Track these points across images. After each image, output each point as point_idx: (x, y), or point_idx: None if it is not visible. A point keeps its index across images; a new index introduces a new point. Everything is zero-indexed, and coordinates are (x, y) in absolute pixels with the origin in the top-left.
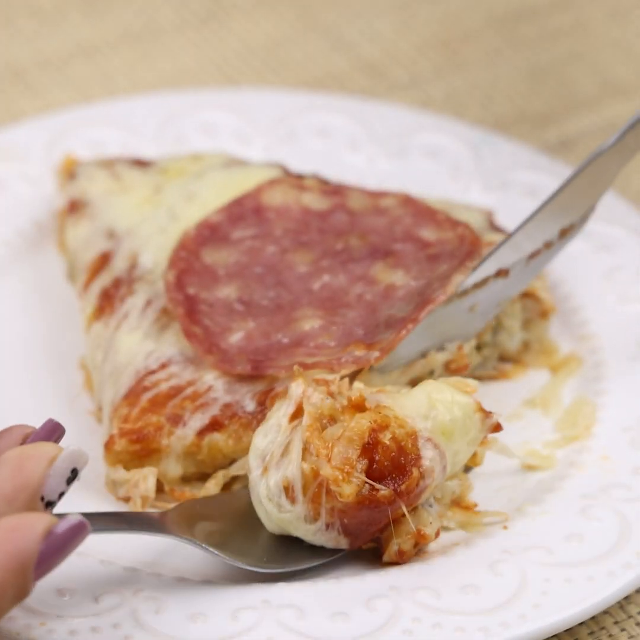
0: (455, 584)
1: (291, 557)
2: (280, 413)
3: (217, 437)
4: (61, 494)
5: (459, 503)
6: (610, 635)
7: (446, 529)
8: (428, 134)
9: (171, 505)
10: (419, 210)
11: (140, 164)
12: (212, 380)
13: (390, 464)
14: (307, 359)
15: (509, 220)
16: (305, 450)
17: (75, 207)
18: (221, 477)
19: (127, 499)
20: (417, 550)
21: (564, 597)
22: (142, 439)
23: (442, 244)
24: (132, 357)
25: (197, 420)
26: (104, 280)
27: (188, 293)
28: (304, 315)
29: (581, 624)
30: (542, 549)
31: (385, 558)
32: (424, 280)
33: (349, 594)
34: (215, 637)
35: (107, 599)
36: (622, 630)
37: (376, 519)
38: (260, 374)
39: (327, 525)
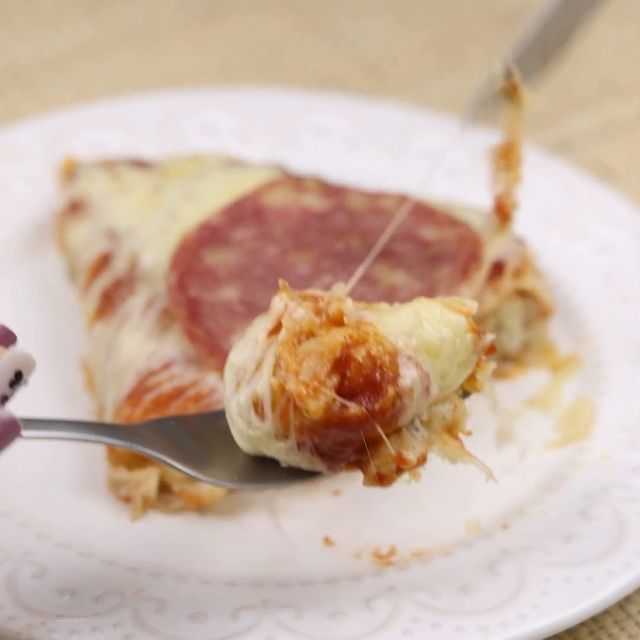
0: (455, 584)
1: (266, 477)
2: (258, 328)
3: None
4: (4, 398)
5: (451, 430)
6: (610, 635)
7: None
8: (428, 134)
9: (175, 506)
10: (419, 211)
11: (141, 164)
12: (215, 381)
13: (364, 381)
14: None
15: None
16: (276, 365)
17: (75, 208)
18: None
19: (127, 499)
20: (400, 475)
21: (564, 597)
22: None
23: (442, 243)
24: (134, 358)
25: None
26: (104, 280)
27: (190, 295)
28: None
29: (581, 624)
30: (541, 549)
31: (365, 483)
32: (426, 283)
33: (348, 594)
34: (215, 637)
35: (107, 598)
36: (622, 630)
37: (350, 439)
38: None
39: (299, 445)
